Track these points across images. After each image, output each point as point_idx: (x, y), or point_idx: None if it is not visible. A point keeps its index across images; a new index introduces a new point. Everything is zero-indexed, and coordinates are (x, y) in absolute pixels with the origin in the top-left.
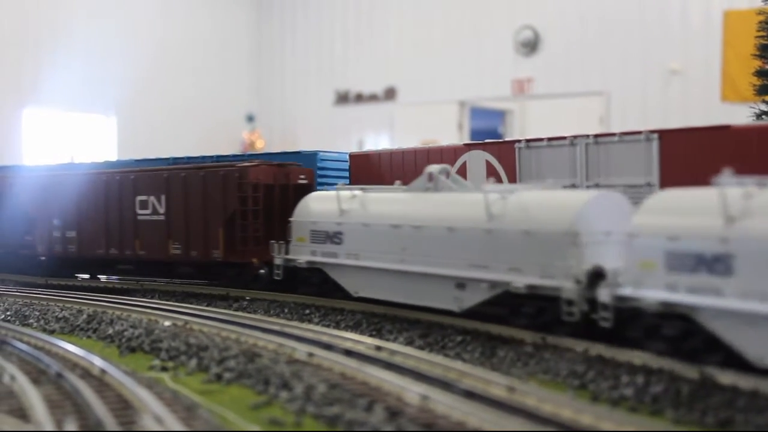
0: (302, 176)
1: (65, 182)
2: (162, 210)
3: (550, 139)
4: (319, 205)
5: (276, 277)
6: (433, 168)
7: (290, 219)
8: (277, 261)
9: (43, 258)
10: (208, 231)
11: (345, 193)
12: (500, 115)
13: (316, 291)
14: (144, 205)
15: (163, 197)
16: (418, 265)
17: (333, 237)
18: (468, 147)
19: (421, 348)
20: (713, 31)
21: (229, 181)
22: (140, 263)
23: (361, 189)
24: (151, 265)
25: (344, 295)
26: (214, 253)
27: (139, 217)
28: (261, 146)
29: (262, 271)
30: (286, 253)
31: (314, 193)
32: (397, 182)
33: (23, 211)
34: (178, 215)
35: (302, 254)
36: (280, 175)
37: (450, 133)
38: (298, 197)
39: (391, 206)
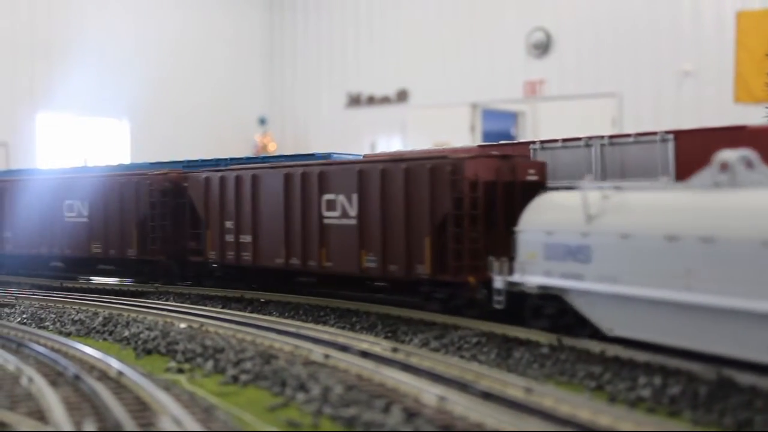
0: (532, 171)
1: (242, 178)
2: (353, 212)
3: (564, 140)
4: (556, 210)
5: (496, 305)
6: (729, 155)
7: (516, 228)
8: (498, 284)
9: (215, 266)
10: (411, 240)
11: (593, 194)
12: (512, 117)
13: (551, 325)
14: (331, 205)
15: (354, 196)
16: (710, 294)
17: (577, 253)
18: (482, 148)
19: (436, 350)
20: (726, 32)
21: (440, 178)
22: (325, 277)
23: (616, 188)
24: (339, 280)
25: (593, 332)
26: (419, 269)
27: (326, 221)
28: (273, 149)
29: (480, 294)
30: (510, 273)
31: (549, 194)
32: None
33: (192, 213)
34: (372, 219)
35: (532, 275)
36: (503, 170)
37: (462, 135)
38: (526, 199)
39: (664, 210)
